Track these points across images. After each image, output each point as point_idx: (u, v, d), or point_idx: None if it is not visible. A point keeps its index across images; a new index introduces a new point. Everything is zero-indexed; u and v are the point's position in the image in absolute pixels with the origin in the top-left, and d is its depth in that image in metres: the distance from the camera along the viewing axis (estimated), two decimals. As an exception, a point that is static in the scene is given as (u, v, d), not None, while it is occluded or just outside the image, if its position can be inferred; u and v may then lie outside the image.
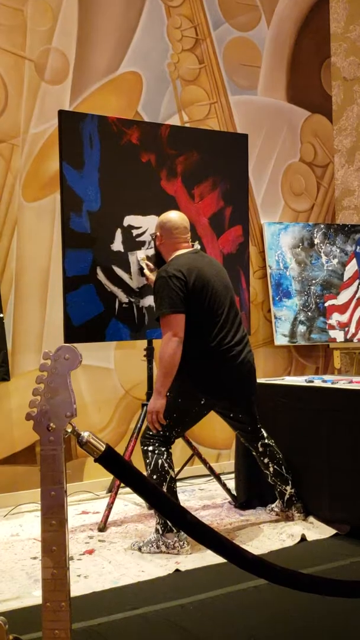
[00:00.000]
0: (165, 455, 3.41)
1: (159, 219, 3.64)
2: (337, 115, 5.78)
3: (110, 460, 1.60)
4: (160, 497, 1.72)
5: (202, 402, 3.45)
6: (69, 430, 1.57)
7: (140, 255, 4.02)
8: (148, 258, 4.02)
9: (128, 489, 4.20)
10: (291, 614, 2.59)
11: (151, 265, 3.98)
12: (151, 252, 3.99)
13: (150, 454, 3.41)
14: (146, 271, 4.01)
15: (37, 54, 4.50)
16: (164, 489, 3.34)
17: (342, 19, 5.77)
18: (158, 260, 3.65)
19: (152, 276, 3.91)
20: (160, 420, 3.39)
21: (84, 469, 4.53)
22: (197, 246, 3.70)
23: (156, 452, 3.40)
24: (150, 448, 3.42)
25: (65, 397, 1.53)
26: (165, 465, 3.39)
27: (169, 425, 3.43)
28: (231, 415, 3.67)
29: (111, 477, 4.31)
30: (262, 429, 3.74)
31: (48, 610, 1.50)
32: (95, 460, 1.61)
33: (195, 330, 3.39)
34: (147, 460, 3.41)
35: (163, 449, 3.42)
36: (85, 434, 1.59)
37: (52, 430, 1.53)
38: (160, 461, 3.39)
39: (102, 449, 1.59)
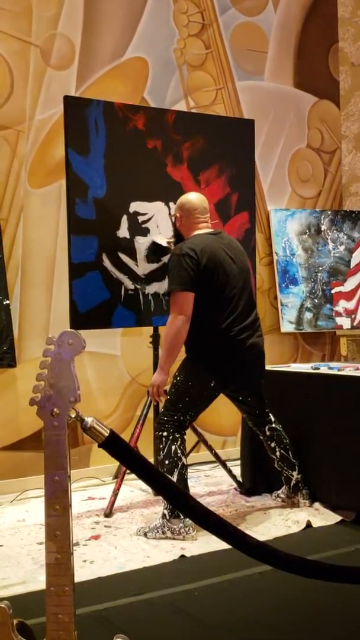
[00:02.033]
0: (179, 442, 3.43)
1: (179, 200, 3.68)
2: (345, 101, 5.73)
3: (114, 445, 1.60)
4: (164, 483, 1.72)
5: (212, 385, 3.47)
6: (73, 415, 1.57)
7: (158, 238, 4.01)
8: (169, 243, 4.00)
9: (134, 475, 4.21)
10: (296, 600, 2.60)
11: (172, 241, 3.96)
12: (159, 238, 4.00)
13: (164, 439, 3.43)
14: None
15: (43, 40, 4.47)
16: (175, 476, 3.36)
17: (349, 3, 5.71)
18: (178, 241, 3.67)
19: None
20: (160, 393, 3.50)
21: (91, 455, 4.55)
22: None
23: (170, 437, 3.42)
24: (165, 434, 3.44)
25: (69, 382, 1.53)
26: (179, 451, 3.41)
27: (183, 410, 3.45)
28: (240, 398, 3.68)
29: (117, 463, 4.33)
30: (270, 414, 3.74)
31: (52, 594, 1.51)
32: (99, 446, 1.61)
33: (205, 311, 3.40)
34: (161, 446, 3.44)
35: (177, 435, 3.44)
36: (88, 419, 1.59)
37: (55, 416, 1.53)
38: (173, 447, 3.41)
39: (106, 434, 1.59)
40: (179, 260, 3.39)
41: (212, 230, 3.61)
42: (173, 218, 3.76)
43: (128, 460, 1.64)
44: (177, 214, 3.65)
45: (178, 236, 3.69)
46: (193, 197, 3.64)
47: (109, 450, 1.60)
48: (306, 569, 1.78)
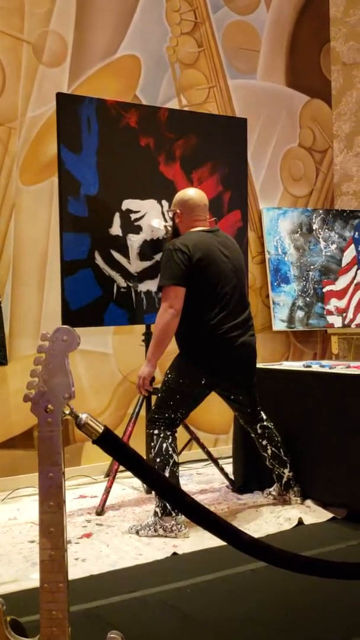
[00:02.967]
0: (170, 439, 3.43)
1: (179, 195, 3.64)
2: (337, 100, 5.75)
3: (108, 442, 1.60)
4: (159, 479, 1.72)
5: (203, 382, 3.47)
6: (67, 412, 1.56)
7: (160, 224, 3.99)
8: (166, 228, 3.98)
9: (126, 473, 4.21)
10: (289, 597, 2.61)
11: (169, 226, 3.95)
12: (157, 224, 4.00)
13: (155, 437, 3.43)
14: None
15: (35, 37, 4.46)
16: (167, 473, 3.36)
17: (341, 3, 5.72)
18: (176, 236, 3.65)
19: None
20: (146, 386, 3.52)
21: (82, 453, 4.54)
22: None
23: (161, 435, 3.42)
24: (156, 431, 3.43)
25: (63, 378, 1.53)
26: (170, 449, 3.41)
27: (174, 407, 3.45)
28: (232, 397, 3.69)
29: (109, 461, 4.32)
30: (262, 412, 3.75)
31: (46, 591, 1.51)
32: (94, 442, 1.61)
33: (196, 307, 3.40)
34: (152, 443, 3.43)
35: (168, 433, 3.44)
36: (83, 416, 1.59)
37: (49, 412, 1.52)
38: (165, 445, 3.40)
39: (100, 430, 1.59)
40: (171, 254, 3.39)
41: (207, 228, 3.60)
42: (171, 213, 3.72)
43: (122, 457, 1.64)
44: (178, 210, 3.62)
45: (176, 231, 3.67)
46: (195, 194, 3.62)
47: (103, 446, 1.60)
48: (299, 565, 1.78)
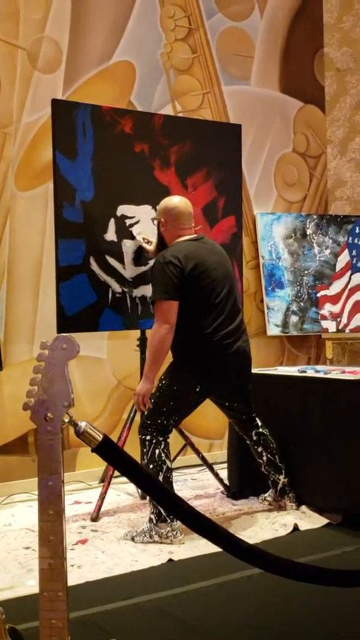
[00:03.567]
0: (162, 445, 3.42)
1: (164, 204, 3.61)
2: (330, 106, 5.77)
3: (107, 450, 1.60)
4: (157, 487, 1.73)
5: (197, 390, 3.46)
6: (66, 420, 1.56)
7: (135, 232, 4.00)
8: (145, 239, 3.99)
9: (120, 479, 4.21)
10: (284, 603, 2.61)
11: (148, 238, 3.95)
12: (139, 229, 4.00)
13: (147, 443, 3.41)
14: (145, 245, 3.97)
15: (30, 43, 4.47)
16: (160, 479, 3.35)
17: (335, 9, 5.75)
18: (161, 244, 3.63)
19: (151, 248, 3.89)
20: (146, 402, 3.43)
21: (77, 459, 4.53)
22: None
23: (154, 441, 3.41)
24: (148, 437, 3.42)
25: (62, 387, 1.53)
26: (162, 455, 3.40)
27: (167, 414, 3.44)
28: (226, 404, 3.68)
29: (103, 467, 4.32)
30: (257, 419, 3.75)
31: (45, 600, 1.50)
32: (93, 450, 1.61)
33: (191, 316, 3.40)
34: (145, 450, 3.42)
35: (161, 439, 3.42)
36: (82, 424, 1.59)
37: (49, 420, 1.52)
38: (157, 451, 3.40)
39: (99, 439, 1.59)
40: (162, 268, 3.36)
41: (194, 236, 3.57)
42: (155, 222, 3.70)
43: (121, 464, 1.64)
44: (162, 219, 3.60)
45: (161, 240, 3.65)
46: (179, 203, 3.58)
47: (102, 455, 1.60)
48: (295, 572, 1.79)
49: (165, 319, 3.35)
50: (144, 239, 3.98)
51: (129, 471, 1.64)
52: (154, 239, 3.83)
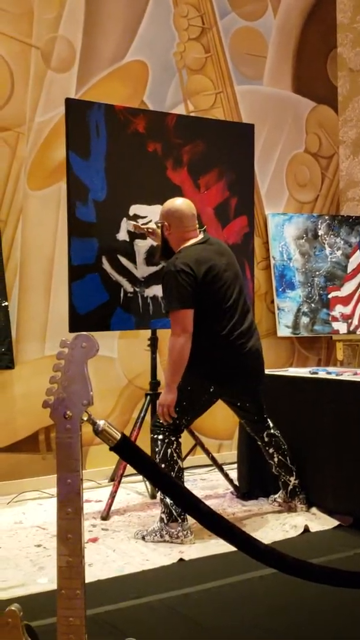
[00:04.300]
0: (174, 445, 3.42)
1: (166, 207, 3.56)
2: (343, 107, 5.76)
3: (125, 448, 1.60)
4: (174, 486, 1.73)
5: (211, 390, 3.46)
6: (85, 418, 1.57)
7: (130, 226, 3.96)
8: (139, 228, 3.94)
9: (130, 478, 4.21)
10: (295, 604, 2.61)
11: (147, 226, 3.90)
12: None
13: (160, 442, 3.41)
14: (148, 234, 3.90)
15: (44, 42, 4.48)
16: None
17: (348, 9, 5.74)
18: (166, 249, 3.60)
19: (155, 229, 3.80)
20: (171, 413, 3.39)
21: (87, 458, 4.54)
22: (202, 235, 3.62)
23: (166, 441, 3.41)
24: (161, 437, 3.42)
25: (82, 385, 1.53)
26: (174, 455, 3.40)
27: (180, 414, 3.43)
28: (238, 404, 3.68)
29: (113, 465, 4.32)
30: (269, 420, 3.74)
31: (63, 597, 1.51)
32: (111, 449, 1.61)
33: (205, 319, 3.39)
34: (157, 449, 3.42)
35: (173, 439, 3.43)
36: (100, 422, 1.60)
37: (68, 418, 1.53)
38: (169, 450, 3.40)
39: (118, 437, 1.59)
40: (174, 277, 3.32)
41: (200, 238, 3.52)
42: (159, 225, 3.65)
43: (139, 463, 1.64)
44: (165, 222, 3.54)
45: (165, 244, 3.61)
46: (182, 205, 3.52)
47: (120, 453, 1.60)
48: (313, 573, 1.78)
49: (183, 328, 3.33)
50: (141, 227, 3.91)
51: (147, 470, 1.65)
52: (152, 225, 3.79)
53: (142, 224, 3.94)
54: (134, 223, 3.95)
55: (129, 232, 3.99)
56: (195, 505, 1.65)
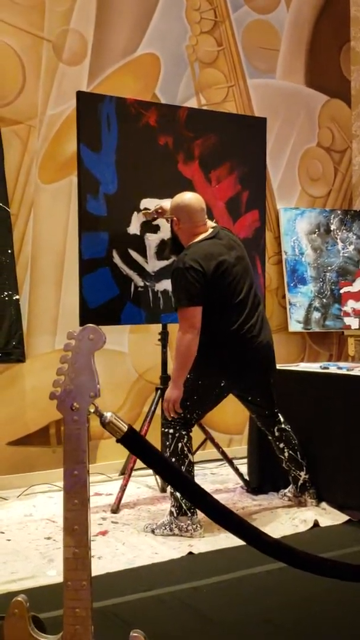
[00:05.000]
0: (185, 439, 3.42)
1: (175, 201, 3.54)
2: (356, 100, 5.72)
3: (132, 441, 1.60)
4: (182, 479, 1.72)
5: (222, 384, 3.46)
6: (92, 410, 1.56)
7: (142, 218, 3.95)
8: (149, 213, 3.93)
9: (141, 472, 4.22)
10: (304, 598, 2.60)
11: (155, 208, 3.88)
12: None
13: (170, 436, 3.42)
14: (159, 214, 3.87)
15: (56, 35, 4.47)
16: None
17: (362, 2, 5.70)
18: (175, 244, 3.60)
19: (166, 207, 3.76)
20: (176, 409, 3.39)
21: (97, 451, 4.55)
22: (212, 224, 3.58)
23: (177, 435, 3.41)
24: (171, 431, 3.42)
25: (89, 377, 1.53)
26: (185, 449, 3.41)
27: (190, 408, 3.43)
28: (249, 398, 3.67)
29: (124, 459, 4.33)
30: (280, 414, 3.73)
31: (69, 589, 1.51)
32: (118, 441, 1.61)
33: (215, 314, 3.38)
34: (167, 443, 3.43)
35: (184, 433, 3.43)
36: (107, 415, 1.59)
37: (75, 410, 1.52)
38: (180, 444, 3.40)
39: (125, 429, 1.59)
40: (183, 274, 3.31)
41: (209, 233, 3.49)
42: (169, 220, 3.64)
43: (146, 456, 1.64)
44: (175, 217, 3.53)
45: (174, 238, 3.60)
46: (191, 199, 3.50)
47: (127, 445, 1.60)
48: (322, 567, 1.78)
49: (191, 325, 3.32)
50: (150, 213, 3.90)
51: (154, 462, 1.64)
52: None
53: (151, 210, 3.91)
54: (143, 212, 3.94)
55: (142, 224, 3.96)
56: (202, 498, 1.64)
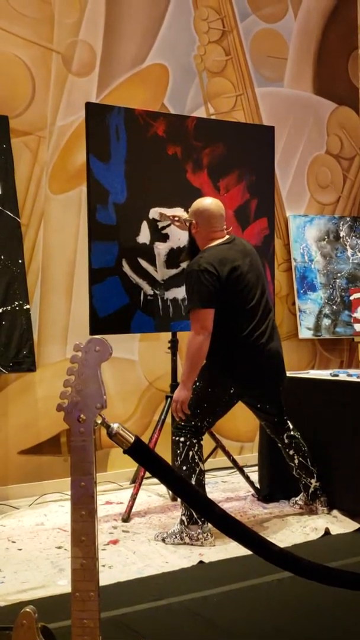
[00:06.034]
0: (196, 448, 3.43)
1: (195, 205, 3.59)
2: (364, 108, 5.73)
3: (139, 451, 1.61)
4: (188, 489, 1.73)
5: (232, 391, 3.47)
6: (99, 421, 1.58)
7: (156, 215, 3.98)
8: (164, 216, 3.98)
9: (151, 480, 4.22)
10: (315, 608, 2.59)
11: (172, 213, 3.94)
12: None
13: (181, 445, 3.42)
14: (173, 221, 3.95)
15: (65, 46, 4.51)
16: (193, 481, 3.36)
17: (370, 9, 5.71)
18: (192, 247, 3.62)
19: (182, 215, 3.87)
20: (184, 409, 3.41)
21: (108, 460, 4.56)
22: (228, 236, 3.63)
23: (187, 443, 3.42)
24: (182, 439, 3.43)
25: (95, 388, 1.55)
26: (196, 457, 3.41)
27: (201, 415, 3.44)
28: (258, 405, 3.68)
29: (135, 467, 4.34)
30: (289, 421, 3.73)
31: (77, 600, 1.52)
32: (125, 452, 1.62)
33: (227, 320, 3.39)
34: (178, 451, 3.44)
35: (195, 441, 3.43)
36: (114, 426, 1.61)
37: (82, 422, 1.54)
38: (191, 453, 3.41)
39: (131, 440, 1.60)
40: (198, 276, 3.34)
41: (226, 238, 3.54)
42: (187, 223, 3.68)
43: (153, 466, 1.65)
44: (194, 221, 3.57)
45: (192, 242, 3.64)
46: (212, 205, 3.55)
47: (134, 456, 1.61)
48: (328, 576, 1.78)
49: (203, 326, 3.34)
50: (167, 216, 3.94)
51: (160, 473, 1.65)
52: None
53: (168, 215, 3.95)
54: (160, 211, 3.97)
55: (152, 229, 3.97)
56: (209, 508, 1.65)
